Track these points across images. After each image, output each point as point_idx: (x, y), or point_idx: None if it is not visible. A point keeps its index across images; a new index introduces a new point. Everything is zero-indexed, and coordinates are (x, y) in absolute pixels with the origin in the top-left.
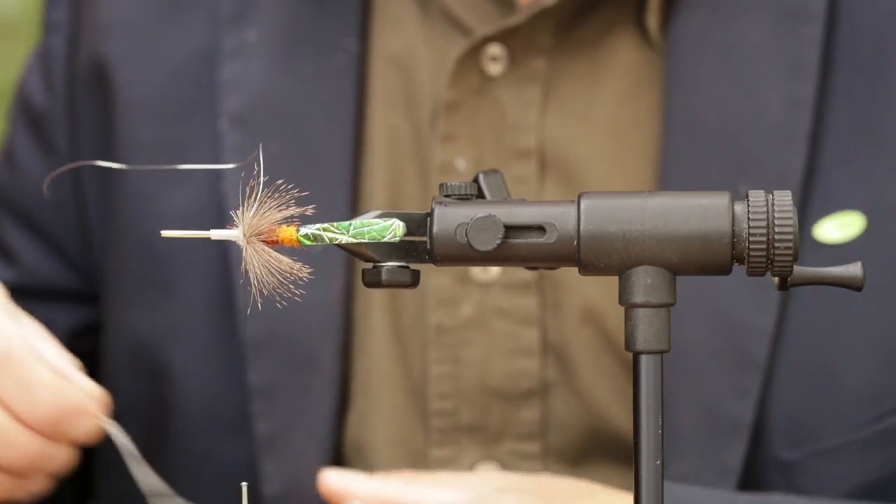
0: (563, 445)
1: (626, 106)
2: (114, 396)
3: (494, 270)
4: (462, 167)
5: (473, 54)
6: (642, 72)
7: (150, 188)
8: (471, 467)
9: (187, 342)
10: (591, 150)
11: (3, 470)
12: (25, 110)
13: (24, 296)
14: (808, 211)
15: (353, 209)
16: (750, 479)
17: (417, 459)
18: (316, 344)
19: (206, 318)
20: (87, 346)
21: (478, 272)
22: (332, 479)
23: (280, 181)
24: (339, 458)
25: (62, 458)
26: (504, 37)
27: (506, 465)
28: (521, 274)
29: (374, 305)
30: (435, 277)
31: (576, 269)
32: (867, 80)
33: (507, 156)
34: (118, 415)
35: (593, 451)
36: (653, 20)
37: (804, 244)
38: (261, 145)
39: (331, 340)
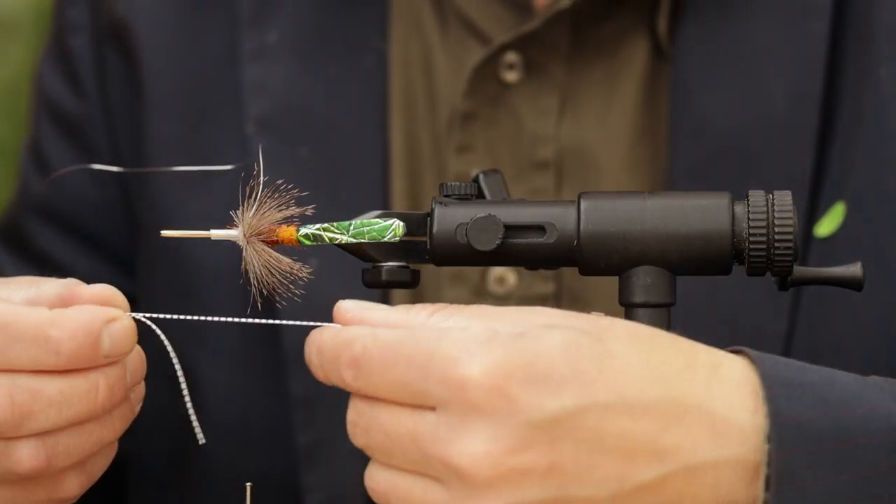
0: None
1: (641, 114)
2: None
3: (511, 284)
4: None
5: (490, 63)
6: (656, 79)
7: (174, 191)
8: None
9: (216, 350)
10: (608, 159)
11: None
12: (55, 116)
13: None
14: (818, 210)
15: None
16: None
17: None
18: None
19: (239, 326)
20: None
21: (494, 286)
22: (347, 305)
23: (280, 181)
24: None
25: (120, 419)
26: (521, 44)
27: None
28: (539, 288)
29: None
30: (451, 290)
31: (597, 284)
32: (862, 71)
33: (524, 166)
34: (144, 422)
35: None
36: (662, 24)
37: (810, 244)
38: (260, 146)
39: None
